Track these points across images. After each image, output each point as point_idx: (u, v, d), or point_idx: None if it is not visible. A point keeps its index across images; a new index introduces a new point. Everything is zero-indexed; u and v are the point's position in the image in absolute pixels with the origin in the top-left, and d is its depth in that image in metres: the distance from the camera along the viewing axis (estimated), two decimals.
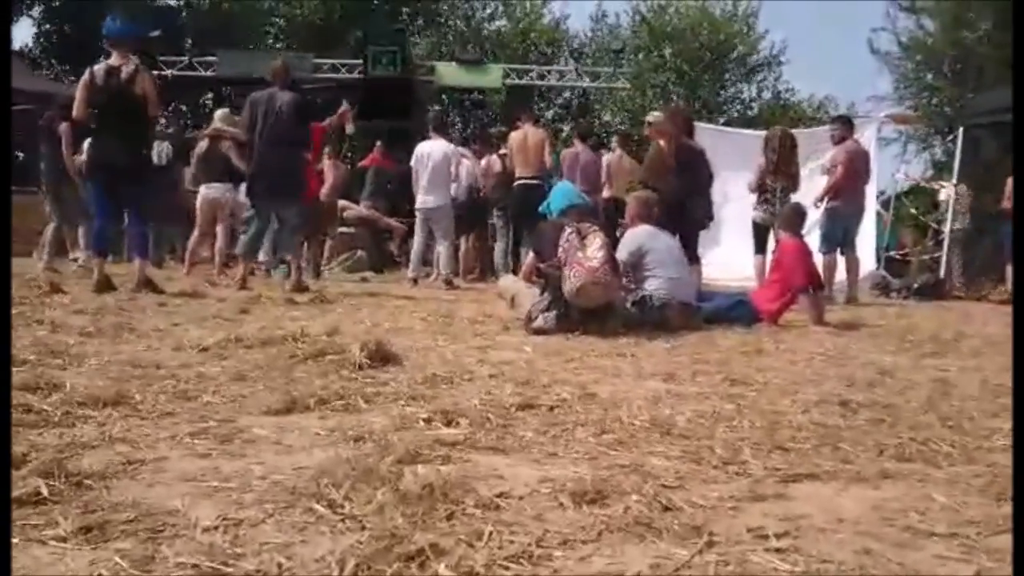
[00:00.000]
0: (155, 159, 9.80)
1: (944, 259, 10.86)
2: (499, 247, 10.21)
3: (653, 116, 9.11)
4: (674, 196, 6.40)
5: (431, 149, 8.59)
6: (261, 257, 7.73)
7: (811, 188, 8.18)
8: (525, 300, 4.64)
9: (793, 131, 8.43)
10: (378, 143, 12.67)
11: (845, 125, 8.16)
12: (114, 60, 5.85)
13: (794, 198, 7.31)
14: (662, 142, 6.87)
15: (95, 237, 6.32)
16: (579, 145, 9.43)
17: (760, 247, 7.61)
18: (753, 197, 7.77)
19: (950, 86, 15.78)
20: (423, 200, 8.51)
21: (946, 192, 11.93)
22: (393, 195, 12.58)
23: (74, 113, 5.98)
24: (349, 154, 12.42)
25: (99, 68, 5.86)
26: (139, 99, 5.83)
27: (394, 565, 1.19)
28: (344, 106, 7.85)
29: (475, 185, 10.21)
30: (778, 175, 7.44)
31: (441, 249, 8.68)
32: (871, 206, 10.02)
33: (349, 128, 8.72)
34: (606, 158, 9.66)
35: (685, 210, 6.61)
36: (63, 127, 8.00)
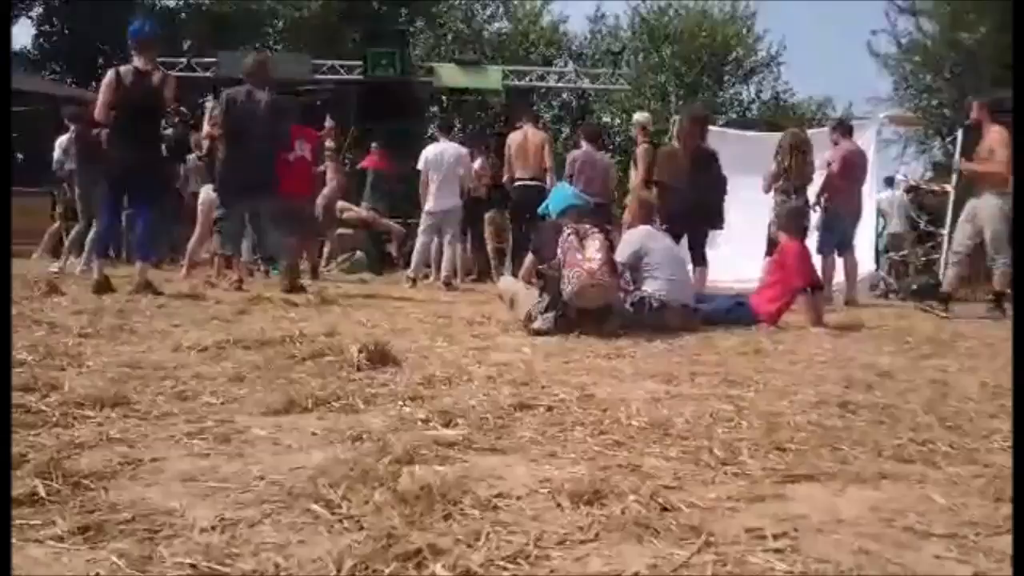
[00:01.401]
0: None
1: (942, 262, 10.87)
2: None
3: (641, 116, 9.12)
4: (688, 196, 6.43)
5: (443, 151, 8.54)
6: (244, 257, 7.70)
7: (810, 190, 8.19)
8: (524, 301, 4.63)
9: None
10: (373, 145, 12.66)
11: (842, 129, 8.17)
12: (140, 63, 5.86)
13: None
14: (676, 142, 6.89)
15: (99, 238, 6.31)
16: (586, 146, 9.32)
17: (773, 249, 7.59)
18: (760, 199, 7.76)
19: (949, 87, 15.81)
20: (437, 203, 8.43)
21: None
22: (392, 197, 12.55)
23: (96, 113, 5.95)
24: (349, 156, 12.42)
25: (125, 70, 5.86)
26: (164, 103, 5.90)
27: (391, 565, 1.19)
28: (328, 123, 7.90)
29: (470, 186, 10.22)
30: (795, 176, 7.46)
31: (447, 250, 8.66)
32: (870, 208, 10.05)
33: (329, 143, 8.82)
34: (571, 155, 9.55)
35: (697, 211, 6.63)
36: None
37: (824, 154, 8.08)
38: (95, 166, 8.15)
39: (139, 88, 5.78)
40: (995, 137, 6.71)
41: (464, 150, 9.00)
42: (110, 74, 5.89)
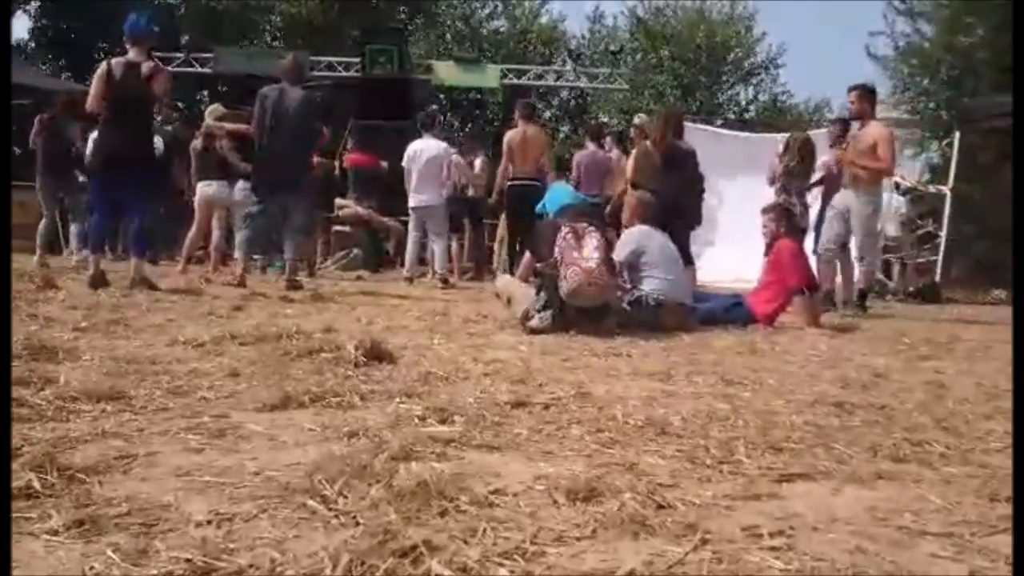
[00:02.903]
0: None
1: (940, 263, 10.92)
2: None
3: (640, 118, 9.14)
4: (661, 196, 6.41)
5: (422, 148, 8.59)
6: (261, 255, 7.72)
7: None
8: (521, 300, 4.63)
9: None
10: (349, 142, 12.60)
11: (842, 127, 8.17)
12: (133, 56, 5.84)
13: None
14: (648, 143, 6.88)
15: (93, 232, 6.29)
16: (590, 146, 9.37)
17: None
18: (759, 199, 7.75)
19: (947, 90, 15.83)
20: (416, 199, 8.52)
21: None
22: (378, 194, 12.37)
23: (88, 105, 5.93)
24: (344, 153, 12.33)
25: (117, 62, 5.84)
26: (154, 97, 5.87)
27: (388, 561, 1.19)
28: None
29: (462, 183, 10.21)
30: (798, 178, 7.48)
31: (436, 247, 8.67)
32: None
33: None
34: (576, 156, 9.58)
35: (673, 211, 6.61)
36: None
37: (822, 157, 8.08)
38: (55, 159, 8.14)
39: (130, 80, 5.75)
40: (879, 132, 6.66)
41: (445, 146, 9.04)
42: (103, 66, 5.87)
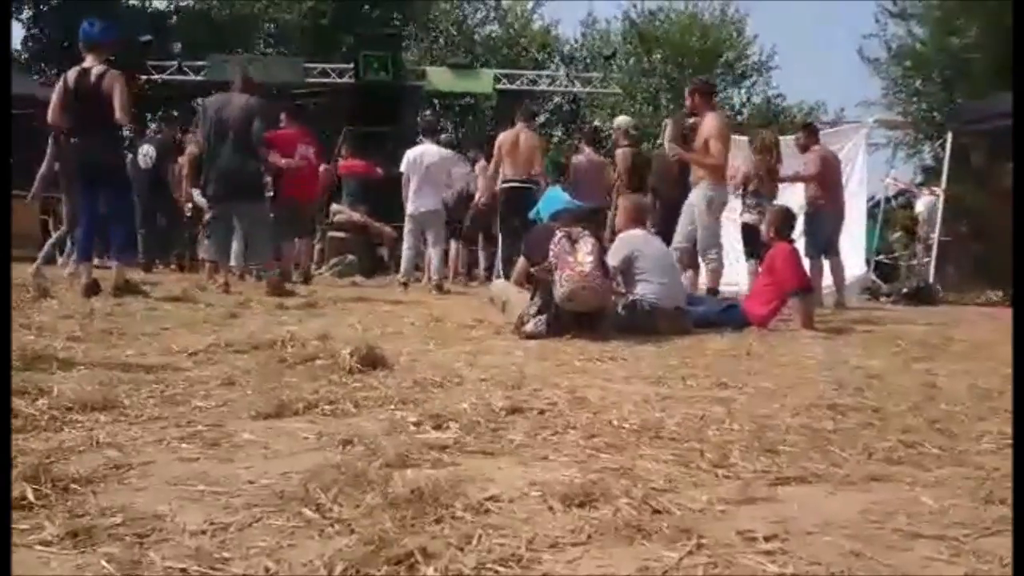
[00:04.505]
0: (140, 162, 9.80)
1: (933, 264, 10.94)
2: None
3: (622, 120, 9.13)
4: (680, 201, 6.43)
5: (423, 153, 8.51)
6: (232, 261, 7.63)
7: (793, 193, 8.27)
8: (517, 304, 4.63)
9: (783, 137, 8.55)
10: (342, 149, 12.58)
11: (810, 133, 8.16)
12: (87, 63, 5.79)
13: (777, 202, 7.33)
14: (666, 147, 6.90)
15: (81, 242, 6.27)
16: (587, 150, 9.29)
17: (753, 251, 7.54)
18: (735, 201, 7.78)
19: (939, 91, 15.91)
20: (417, 205, 8.41)
21: (923, 203, 12.22)
22: (377, 200, 12.33)
23: (48, 117, 5.89)
24: (338, 160, 12.34)
25: (72, 71, 5.80)
26: (106, 100, 5.71)
27: (383, 569, 1.19)
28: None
29: (467, 190, 10.19)
30: (767, 176, 7.49)
31: (433, 254, 8.62)
32: (860, 210, 10.11)
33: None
34: (574, 160, 9.54)
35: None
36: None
37: (799, 161, 8.08)
38: (58, 170, 8.18)
39: (82, 88, 5.69)
40: (710, 127, 6.41)
41: (447, 152, 8.98)
42: (62, 77, 5.85)
